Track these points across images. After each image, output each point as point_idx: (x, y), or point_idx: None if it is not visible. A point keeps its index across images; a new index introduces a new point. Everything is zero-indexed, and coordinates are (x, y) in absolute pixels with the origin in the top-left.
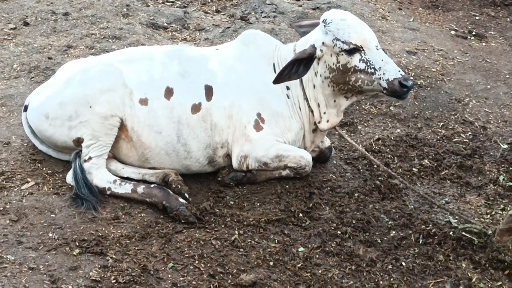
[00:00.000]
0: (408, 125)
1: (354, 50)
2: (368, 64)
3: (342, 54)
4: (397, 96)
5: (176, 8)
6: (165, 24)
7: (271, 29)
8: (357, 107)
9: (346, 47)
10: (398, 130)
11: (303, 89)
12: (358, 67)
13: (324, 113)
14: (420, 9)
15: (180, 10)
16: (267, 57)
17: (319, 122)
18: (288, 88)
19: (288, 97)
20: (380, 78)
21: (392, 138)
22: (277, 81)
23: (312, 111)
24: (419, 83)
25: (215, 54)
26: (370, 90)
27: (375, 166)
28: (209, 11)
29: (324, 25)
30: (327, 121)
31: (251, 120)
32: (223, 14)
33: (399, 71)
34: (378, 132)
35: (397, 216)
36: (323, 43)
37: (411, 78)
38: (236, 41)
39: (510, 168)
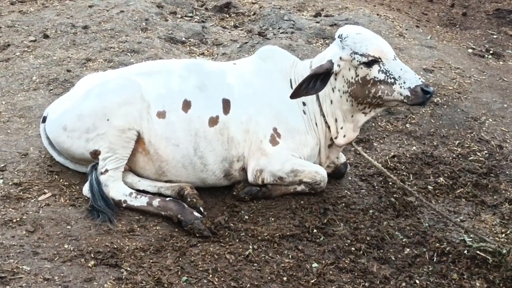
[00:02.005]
0: (424, 142)
1: (372, 61)
2: (388, 74)
3: (361, 67)
4: (419, 104)
5: (194, 23)
6: (183, 39)
7: (288, 45)
8: (373, 124)
9: (364, 59)
10: (414, 148)
11: (319, 105)
12: (377, 78)
13: (341, 128)
14: (438, 27)
15: (198, 25)
16: (284, 73)
17: (335, 138)
18: (304, 104)
19: (305, 113)
20: (401, 87)
21: (408, 155)
22: (294, 95)
23: (329, 127)
24: (435, 101)
25: (232, 68)
26: (390, 100)
27: (390, 183)
28: (227, 26)
29: (341, 40)
30: (344, 136)
31: (267, 135)
32: (241, 30)
33: (419, 78)
34: (393, 149)
35: (411, 234)
36: (340, 57)
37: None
38: (253, 56)
39: None
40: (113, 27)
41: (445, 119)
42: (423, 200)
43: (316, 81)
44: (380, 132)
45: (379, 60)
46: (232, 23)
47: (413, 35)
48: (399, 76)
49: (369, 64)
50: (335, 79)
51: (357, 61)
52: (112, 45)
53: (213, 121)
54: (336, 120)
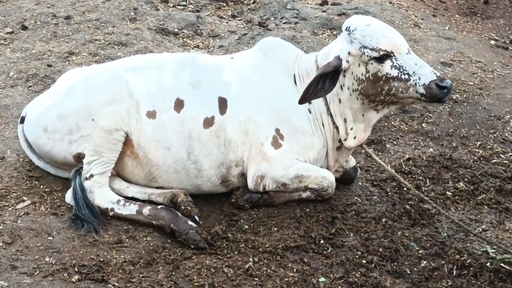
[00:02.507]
0: (442, 144)
1: (384, 56)
2: (401, 70)
3: (372, 63)
4: (437, 100)
5: (188, 13)
6: (176, 30)
7: (292, 36)
8: (386, 124)
9: (375, 54)
10: (431, 150)
11: (326, 104)
12: (390, 74)
13: (351, 129)
14: (457, 16)
15: (193, 15)
16: (287, 67)
17: (345, 140)
18: (310, 102)
19: (310, 112)
20: (415, 84)
21: (424, 158)
22: (302, 101)
23: (337, 128)
24: (454, 97)
25: (230, 63)
26: (406, 98)
27: (405, 189)
28: (224, 16)
29: (348, 33)
30: (354, 137)
31: (269, 137)
32: (240, 20)
33: (435, 73)
34: (408, 151)
35: (428, 245)
36: (349, 53)
37: (447, 77)
38: (253, 49)
39: None
40: (99, 17)
41: (465, 117)
42: (440, 210)
43: (324, 81)
44: (394, 132)
45: (392, 54)
46: (229, 12)
47: (429, 25)
48: (414, 72)
49: (380, 59)
50: (344, 76)
51: (367, 56)
52: (97, 37)
53: (208, 122)
54: (345, 120)
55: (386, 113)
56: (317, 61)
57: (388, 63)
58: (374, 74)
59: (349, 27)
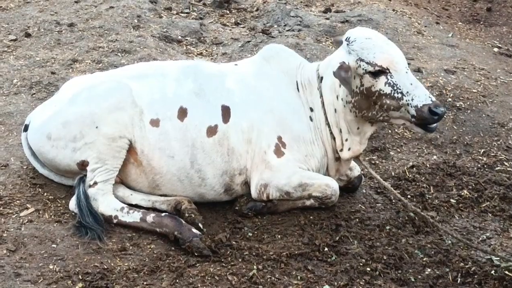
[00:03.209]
0: (445, 151)
1: (379, 72)
2: (395, 88)
3: (367, 77)
4: (425, 126)
5: (191, 20)
6: (179, 37)
7: (295, 44)
8: (390, 131)
9: (370, 68)
10: (435, 157)
11: (324, 113)
12: (383, 91)
13: (346, 140)
14: (460, 23)
15: (196, 22)
16: (290, 75)
17: (341, 150)
18: (311, 109)
19: (312, 120)
20: (408, 104)
21: (428, 165)
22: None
23: (334, 138)
24: (458, 105)
25: (233, 71)
26: (396, 117)
27: (409, 196)
28: (227, 24)
29: (348, 44)
30: (349, 149)
31: (271, 145)
32: (243, 27)
33: (430, 97)
34: (412, 158)
35: (432, 252)
36: (347, 63)
37: (442, 105)
38: (256, 57)
39: None
40: (102, 24)
41: (468, 125)
42: (438, 225)
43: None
44: (397, 139)
45: (387, 71)
46: (233, 19)
47: (432, 32)
48: (407, 92)
49: (375, 74)
50: (340, 86)
51: (363, 69)
52: (100, 44)
53: (212, 131)
54: (340, 131)
55: (380, 126)
56: (318, 70)
57: (382, 79)
58: (368, 88)
59: (349, 38)
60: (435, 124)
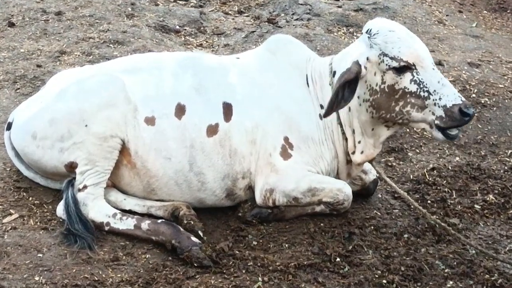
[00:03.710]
0: (469, 152)
1: (404, 68)
2: (421, 86)
3: (390, 73)
4: (453, 127)
5: (190, 8)
6: (177, 27)
7: (304, 34)
8: (408, 130)
9: (395, 64)
10: (457, 159)
11: (337, 111)
12: (408, 89)
13: (359, 142)
14: (485, 12)
15: (195, 11)
16: (299, 68)
17: (352, 153)
18: (322, 107)
19: (321, 118)
20: (435, 104)
21: (450, 168)
22: (327, 114)
23: (346, 139)
24: (483, 101)
25: (236, 64)
26: (417, 120)
27: (429, 201)
28: (229, 12)
29: (369, 37)
30: (362, 152)
31: (278, 146)
32: (247, 16)
33: (459, 96)
34: (432, 160)
35: (455, 263)
36: (367, 58)
37: (472, 106)
38: (261, 49)
39: None
40: (93, 13)
41: (494, 123)
42: (456, 234)
43: (344, 90)
44: (416, 139)
45: (413, 67)
46: (236, 8)
47: (455, 22)
48: (435, 90)
49: (400, 70)
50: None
51: (386, 65)
52: (91, 35)
53: (212, 130)
54: (353, 132)
55: (397, 130)
56: (331, 64)
57: (407, 76)
58: (391, 86)
59: (370, 30)
60: (457, 131)
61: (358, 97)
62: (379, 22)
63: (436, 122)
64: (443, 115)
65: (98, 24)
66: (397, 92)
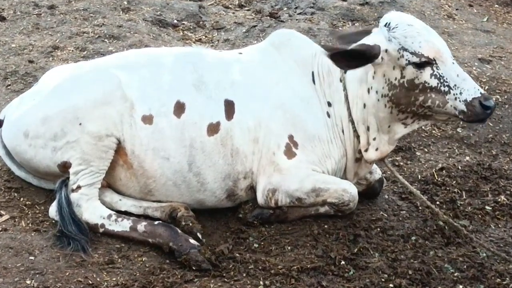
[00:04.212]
0: (479, 151)
1: (425, 63)
2: (442, 80)
3: (410, 68)
4: (477, 121)
5: (189, 2)
6: (175, 21)
7: (307, 29)
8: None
9: (415, 59)
10: (467, 158)
11: (348, 108)
12: (428, 84)
13: (374, 139)
14: (496, 6)
15: (194, 4)
16: (304, 64)
17: (365, 150)
18: (329, 104)
19: (329, 116)
20: (455, 99)
21: (460, 167)
22: (331, 55)
23: (358, 136)
24: (494, 99)
25: (237, 59)
26: (441, 113)
27: (437, 202)
28: (230, 6)
29: (388, 30)
30: (376, 149)
31: (282, 145)
32: (248, 10)
33: (479, 89)
34: (442, 159)
35: (465, 266)
36: (386, 50)
37: (491, 97)
38: (264, 44)
39: None
40: (87, 6)
41: (506, 121)
42: (472, 237)
43: (351, 59)
44: (425, 138)
45: (433, 62)
46: (236, 1)
47: (465, 16)
48: (455, 85)
49: (420, 65)
50: (373, 77)
51: (406, 60)
52: (85, 29)
53: (213, 129)
54: (368, 129)
55: (415, 129)
56: None
57: (428, 70)
58: (410, 80)
59: (389, 24)
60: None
61: (377, 92)
62: (397, 16)
63: (460, 116)
64: (465, 110)
65: (93, 18)
66: (417, 86)
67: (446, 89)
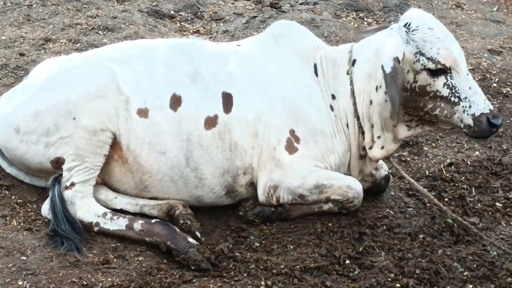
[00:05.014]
0: (489, 146)
1: (440, 71)
2: (453, 91)
3: (423, 74)
4: (481, 137)
5: None
6: (172, 12)
7: (310, 20)
8: None
9: (431, 65)
10: (477, 153)
11: (354, 102)
12: (440, 92)
13: (379, 137)
14: None
15: None
16: (306, 56)
17: (370, 148)
18: (333, 97)
19: (332, 109)
20: (464, 111)
21: (469, 163)
22: (394, 116)
23: (363, 132)
24: (504, 91)
25: (236, 51)
26: (446, 123)
27: (446, 199)
28: None
29: (407, 32)
30: (382, 147)
31: (282, 140)
32: (247, 0)
33: (488, 105)
34: (450, 155)
35: (475, 265)
36: (404, 54)
37: (500, 115)
38: (263, 35)
39: None
40: None
41: None
42: (482, 236)
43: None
44: (432, 132)
45: (449, 71)
46: None
47: (474, 6)
48: (465, 97)
49: (435, 72)
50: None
51: (422, 64)
52: (78, 21)
53: (211, 122)
54: (372, 126)
55: (419, 132)
56: (351, 51)
57: (441, 79)
58: (422, 87)
59: (409, 24)
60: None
61: (385, 92)
62: (418, 16)
63: (465, 130)
64: (471, 124)
65: (86, 9)
66: (428, 93)
67: (456, 100)
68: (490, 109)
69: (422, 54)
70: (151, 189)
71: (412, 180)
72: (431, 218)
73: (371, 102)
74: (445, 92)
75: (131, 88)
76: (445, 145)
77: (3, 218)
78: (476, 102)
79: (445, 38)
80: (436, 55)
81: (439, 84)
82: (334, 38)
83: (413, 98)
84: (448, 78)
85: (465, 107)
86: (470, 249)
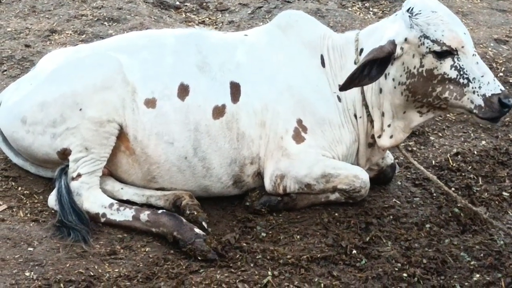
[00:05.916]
0: (496, 135)
1: (446, 53)
2: (461, 73)
3: (429, 57)
4: (491, 118)
5: None
6: (177, 3)
7: (316, 9)
8: None
9: (437, 48)
10: (484, 142)
11: (362, 92)
12: (448, 75)
13: (389, 126)
14: None
15: None
16: (313, 46)
17: (379, 136)
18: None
19: (340, 100)
20: (474, 92)
21: (476, 152)
22: (345, 87)
23: (371, 121)
24: (511, 81)
25: (243, 41)
26: (456, 106)
27: (453, 188)
28: None
29: (410, 16)
30: (391, 136)
31: (290, 129)
32: None
33: (499, 86)
34: (456, 144)
35: (482, 255)
36: (405, 39)
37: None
38: (270, 25)
39: None
40: None
41: None
42: (493, 222)
43: (371, 67)
44: (439, 122)
45: (455, 52)
46: None
47: None
48: (474, 78)
49: (441, 55)
50: (392, 63)
51: (427, 47)
52: (83, 12)
53: (218, 112)
54: (382, 114)
55: (431, 118)
56: (357, 40)
57: (448, 61)
58: (429, 70)
59: (412, 9)
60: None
61: (393, 79)
62: (421, 1)
63: (475, 111)
64: (482, 105)
65: (91, 0)
66: (435, 77)
67: (465, 81)
68: (501, 90)
69: (426, 37)
70: (158, 180)
71: (421, 167)
72: (437, 207)
73: (380, 90)
74: (452, 74)
75: (138, 78)
76: (452, 135)
77: (9, 209)
78: (486, 82)
79: (449, 20)
80: (441, 37)
81: (446, 66)
82: (340, 28)
83: (421, 84)
84: (455, 59)
85: (475, 87)
86: (477, 238)
